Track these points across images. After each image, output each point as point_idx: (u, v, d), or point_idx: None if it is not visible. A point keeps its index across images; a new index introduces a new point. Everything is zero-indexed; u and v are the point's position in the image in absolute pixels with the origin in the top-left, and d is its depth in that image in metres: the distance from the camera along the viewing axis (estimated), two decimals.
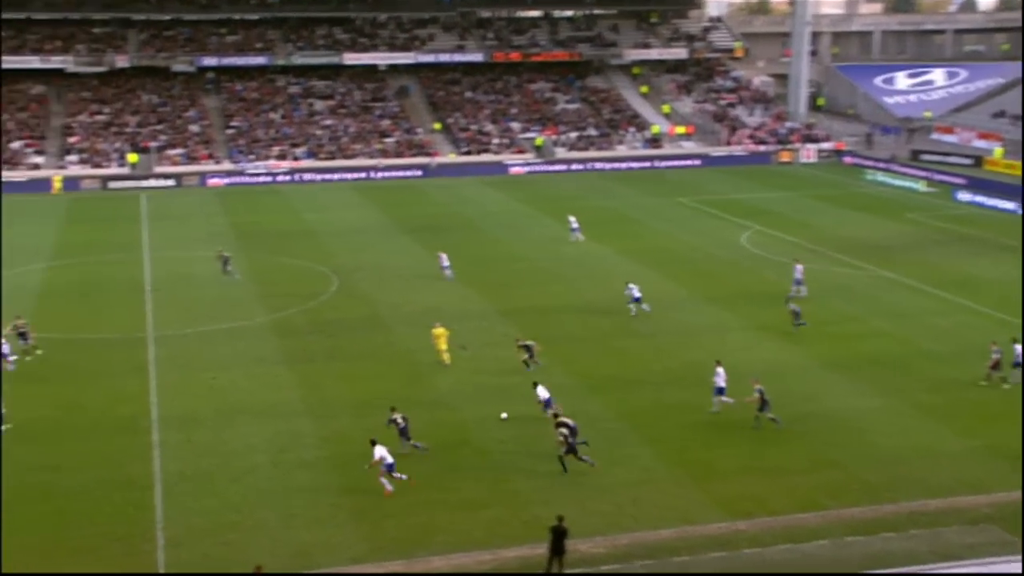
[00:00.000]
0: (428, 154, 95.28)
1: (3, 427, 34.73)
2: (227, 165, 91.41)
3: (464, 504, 29.85)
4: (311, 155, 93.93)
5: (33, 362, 41.91)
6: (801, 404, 37.29)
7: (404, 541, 27.78)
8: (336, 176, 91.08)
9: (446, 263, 55.42)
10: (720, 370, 36.69)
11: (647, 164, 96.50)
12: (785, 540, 27.67)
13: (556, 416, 33.04)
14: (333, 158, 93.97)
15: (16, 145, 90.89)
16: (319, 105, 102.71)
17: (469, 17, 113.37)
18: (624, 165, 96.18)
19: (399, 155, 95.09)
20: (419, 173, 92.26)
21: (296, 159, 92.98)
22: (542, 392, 35.80)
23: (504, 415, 35.96)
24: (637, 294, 48.18)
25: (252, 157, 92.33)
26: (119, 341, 45.14)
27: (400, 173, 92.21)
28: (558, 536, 25.89)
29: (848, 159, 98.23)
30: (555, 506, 28.43)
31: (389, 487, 30.05)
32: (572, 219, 65.52)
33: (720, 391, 36.48)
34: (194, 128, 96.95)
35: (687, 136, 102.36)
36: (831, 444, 33.90)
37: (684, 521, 28.83)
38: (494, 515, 29.23)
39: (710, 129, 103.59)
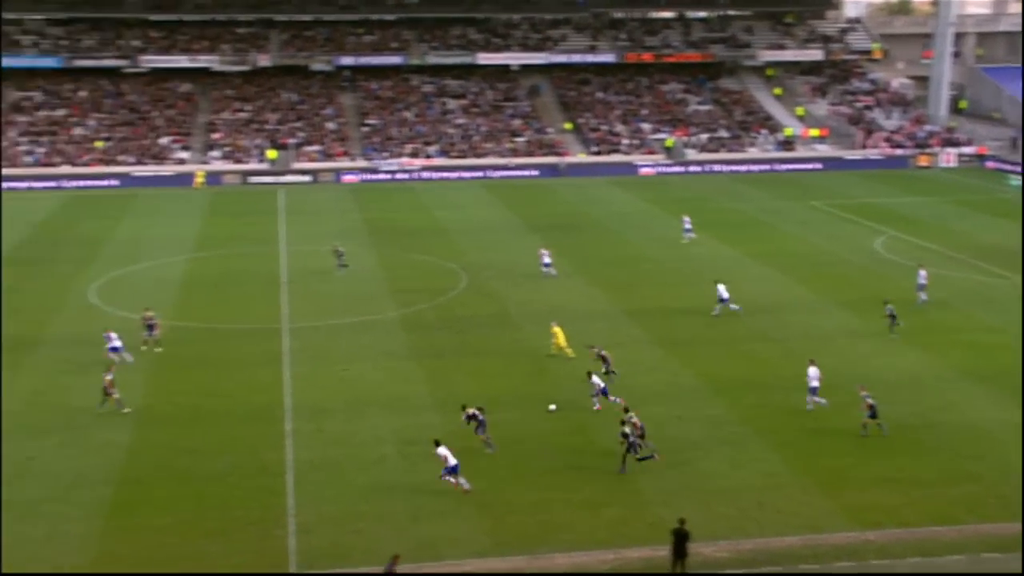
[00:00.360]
0: (558, 154, 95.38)
1: (124, 410, 36.37)
2: (361, 162, 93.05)
3: (587, 503, 29.77)
4: (443, 153, 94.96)
5: (157, 356, 42.82)
6: (936, 414, 36.15)
7: (527, 537, 27.86)
8: (467, 174, 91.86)
9: (547, 260, 55.59)
10: (813, 370, 36.45)
11: (779, 167, 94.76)
12: (917, 553, 26.86)
13: (627, 410, 33.31)
14: (464, 156, 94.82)
15: (164, 141, 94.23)
16: (452, 104, 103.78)
17: (602, 18, 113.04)
18: (755, 167, 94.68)
19: (529, 154, 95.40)
20: (549, 172, 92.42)
21: (428, 157, 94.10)
22: (597, 380, 36.50)
23: (552, 407, 36.40)
24: (725, 295, 47.87)
25: (386, 154, 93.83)
26: (255, 331, 46.36)
27: (530, 172, 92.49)
28: (679, 539, 25.67)
29: (991, 164, 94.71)
30: (678, 508, 28.16)
31: (466, 485, 30.11)
32: (686, 219, 65.20)
33: (813, 391, 36.25)
34: (331, 126, 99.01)
35: (821, 139, 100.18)
36: (968, 456, 32.73)
37: (810, 529, 28.21)
38: (617, 515, 29.09)
39: (845, 132, 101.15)
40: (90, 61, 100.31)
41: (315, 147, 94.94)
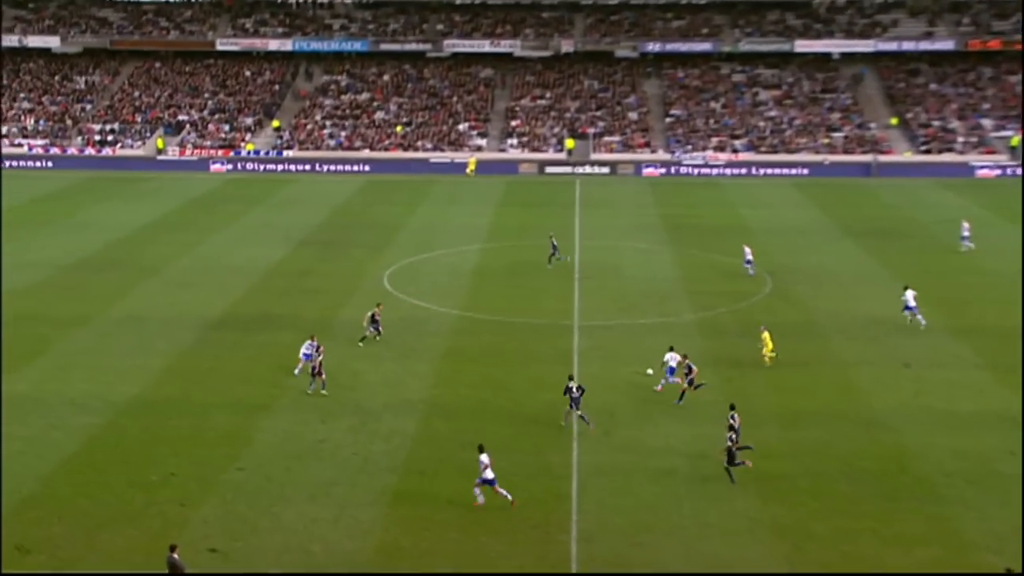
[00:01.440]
0: (880, 151, 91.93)
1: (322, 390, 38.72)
2: (662, 155, 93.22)
3: (898, 538, 28.49)
4: (751, 148, 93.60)
5: (444, 347, 44.33)
6: None
7: (828, 568, 26.98)
8: (777, 171, 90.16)
9: (750, 257, 55.43)
10: None
11: None
12: None
13: (732, 407, 33.53)
14: (775, 152, 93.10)
15: (462, 127, 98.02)
16: (764, 95, 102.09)
17: (942, 0, 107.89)
18: None
19: (847, 151, 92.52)
20: (862, 172, 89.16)
21: (735, 152, 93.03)
22: (672, 358, 38.64)
23: (650, 371, 39.47)
24: (912, 303, 46.24)
25: (689, 147, 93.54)
26: (545, 327, 47.31)
27: (847, 171, 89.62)
28: None
29: None
30: (1008, 556, 26.56)
31: (480, 499, 29.98)
32: (965, 225, 62.11)
33: None
34: (632, 115, 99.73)
35: None
36: None
37: None
38: (933, 555, 27.67)
39: None
40: (395, 45, 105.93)
41: (615, 137, 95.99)
